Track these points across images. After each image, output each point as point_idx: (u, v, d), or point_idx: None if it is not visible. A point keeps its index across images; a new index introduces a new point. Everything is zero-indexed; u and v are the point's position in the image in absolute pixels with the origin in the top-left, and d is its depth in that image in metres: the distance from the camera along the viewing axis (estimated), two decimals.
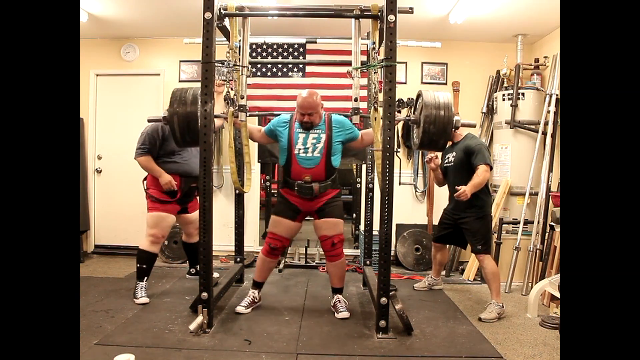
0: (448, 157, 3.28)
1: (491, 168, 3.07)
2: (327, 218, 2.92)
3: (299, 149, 2.86)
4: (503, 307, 2.99)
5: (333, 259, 2.94)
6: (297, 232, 3.11)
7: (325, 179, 2.88)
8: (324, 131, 2.88)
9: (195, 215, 3.44)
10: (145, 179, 3.27)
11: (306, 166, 2.85)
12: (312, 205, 2.92)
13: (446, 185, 3.39)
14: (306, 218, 3.09)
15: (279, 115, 3.16)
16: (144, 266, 3.15)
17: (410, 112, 2.94)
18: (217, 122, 3.20)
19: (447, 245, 3.60)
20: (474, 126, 3.07)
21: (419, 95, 2.62)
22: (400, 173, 4.36)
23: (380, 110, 2.65)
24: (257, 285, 3.06)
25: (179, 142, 2.69)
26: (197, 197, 3.42)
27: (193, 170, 3.27)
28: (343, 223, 3.01)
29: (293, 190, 2.89)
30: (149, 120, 2.86)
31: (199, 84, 2.57)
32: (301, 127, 2.89)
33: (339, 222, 2.96)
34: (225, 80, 2.87)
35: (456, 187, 2.95)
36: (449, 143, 3.37)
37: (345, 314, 2.89)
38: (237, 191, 3.15)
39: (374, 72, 2.68)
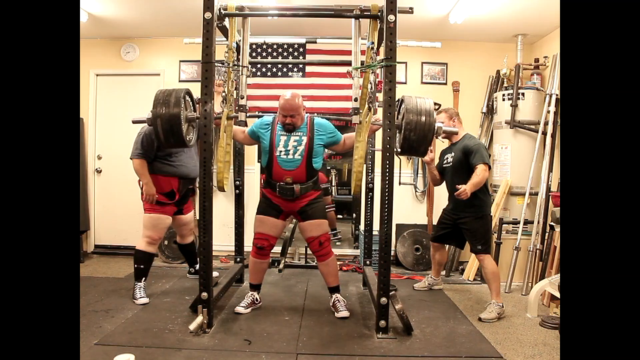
0: (447, 158, 3.28)
1: (490, 167, 3.07)
2: (310, 220, 2.94)
3: (280, 151, 2.87)
4: (503, 307, 2.99)
5: (323, 258, 2.96)
6: (283, 229, 3.11)
7: (306, 180, 2.89)
8: (305, 134, 2.89)
9: (189, 216, 3.45)
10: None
11: (287, 168, 2.86)
12: (294, 206, 2.94)
13: (445, 185, 3.38)
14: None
15: (265, 114, 3.16)
16: (142, 266, 3.15)
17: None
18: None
19: (446, 245, 3.59)
20: (456, 133, 3.06)
21: (401, 101, 2.61)
22: (400, 173, 4.36)
23: (380, 110, 2.64)
24: (254, 287, 3.06)
25: (163, 144, 2.67)
26: (192, 199, 3.44)
27: (191, 172, 3.27)
28: (327, 222, 3.03)
29: (275, 191, 2.91)
30: (134, 122, 2.83)
31: (196, 85, 2.56)
32: (283, 129, 2.90)
33: (323, 222, 2.98)
34: (224, 81, 2.87)
35: (456, 185, 2.95)
36: (448, 143, 3.37)
37: (345, 313, 2.89)
38: (220, 190, 3.14)
39: (372, 72, 2.67)
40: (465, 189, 2.89)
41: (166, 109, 2.55)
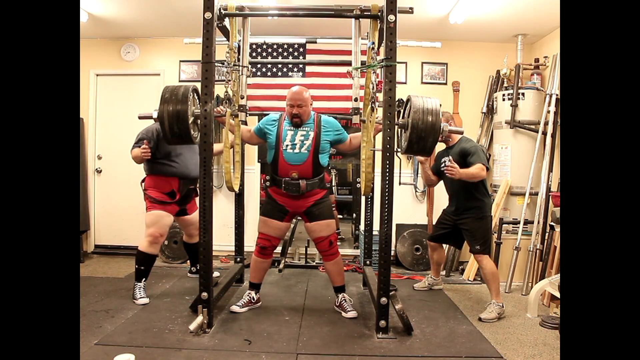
0: (444, 161, 3.26)
1: (487, 169, 3.06)
2: (319, 221, 2.93)
3: (287, 145, 2.86)
4: (503, 307, 2.99)
5: (331, 257, 2.96)
6: (286, 231, 3.11)
7: (312, 176, 2.88)
8: (312, 129, 2.89)
9: (194, 216, 3.45)
10: (143, 180, 3.29)
11: (293, 162, 2.85)
12: (300, 206, 2.93)
13: (444, 187, 3.39)
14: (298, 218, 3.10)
15: (270, 111, 3.18)
16: (142, 268, 3.14)
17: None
18: (217, 147, 3.25)
19: (444, 245, 3.59)
20: (461, 132, 3.06)
21: (408, 100, 2.62)
22: (400, 173, 4.36)
23: (380, 110, 2.65)
24: (254, 286, 3.06)
25: (167, 134, 2.61)
26: (196, 199, 3.45)
27: (190, 172, 3.28)
28: (334, 222, 3.04)
29: (280, 187, 2.89)
30: (140, 117, 2.82)
31: (196, 85, 2.56)
32: (290, 124, 2.90)
33: (331, 222, 2.98)
34: (227, 81, 2.87)
35: (449, 162, 2.94)
36: (443, 146, 3.35)
37: (354, 313, 2.89)
38: (230, 190, 3.18)
39: (373, 72, 2.68)
40: (458, 169, 2.89)
41: (174, 104, 2.54)
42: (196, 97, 2.73)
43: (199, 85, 2.60)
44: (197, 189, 3.45)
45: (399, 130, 2.69)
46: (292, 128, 2.89)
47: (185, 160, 3.26)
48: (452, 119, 3.33)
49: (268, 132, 2.95)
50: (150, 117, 2.69)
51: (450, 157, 3.09)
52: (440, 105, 2.58)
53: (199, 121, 2.63)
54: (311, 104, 2.94)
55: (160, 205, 3.18)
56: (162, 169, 3.19)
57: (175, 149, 3.18)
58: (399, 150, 2.72)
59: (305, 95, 2.86)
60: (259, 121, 3.18)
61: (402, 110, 2.72)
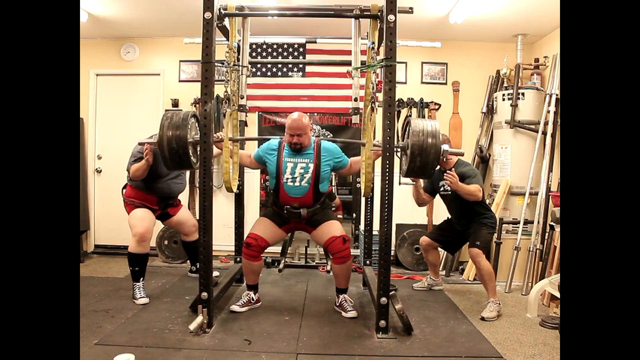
0: (443, 185, 3.26)
1: (483, 193, 3.09)
2: (325, 222, 2.95)
3: (287, 178, 2.89)
4: (500, 304, 3.03)
5: (343, 259, 2.90)
6: (278, 240, 3.11)
7: (313, 204, 2.93)
8: (312, 160, 2.91)
9: (181, 215, 3.49)
10: (124, 187, 3.31)
11: (294, 195, 2.90)
12: (302, 220, 2.98)
13: (448, 211, 3.43)
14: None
15: (270, 137, 3.18)
16: (137, 268, 3.14)
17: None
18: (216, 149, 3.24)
19: (438, 248, 3.58)
20: (462, 154, 3.07)
21: (407, 123, 2.62)
22: (400, 173, 4.35)
23: (380, 110, 2.65)
24: (251, 287, 3.06)
25: (167, 158, 2.61)
26: (176, 203, 3.49)
27: (173, 192, 3.35)
28: (340, 223, 3.05)
29: (282, 212, 2.96)
30: (140, 144, 2.87)
31: (196, 85, 2.56)
32: (290, 151, 2.92)
33: (338, 222, 3.00)
34: (224, 80, 2.87)
35: (448, 173, 2.96)
36: (437, 167, 3.33)
37: (354, 313, 2.89)
38: (228, 191, 3.18)
39: (373, 72, 2.68)
40: (457, 179, 2.95)
41: (173, 129, 2.56)
42: (196, 124, 2.74)
43: (198, 86, 2.60)
44: (178, 199, 3.52)
45: (399, 153, 2.69)
46: (291, 159, 2.91)
47: (169, 180, 3.28)
48: (449, 141, 3.33)
49: (268, 160, 2.98)
50: (150, 144, 2.72)
51: (452, 169, 3.10)
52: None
53: (198, 147, 2.63)
54: (311, 129, 2.98)
55: (141, 206, 3.21)
56: (145, 184, 3.19)
57: (163, 171, 3.17)
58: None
59: (304, 122, 2.88)
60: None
61: (401, 133, 2.72)
